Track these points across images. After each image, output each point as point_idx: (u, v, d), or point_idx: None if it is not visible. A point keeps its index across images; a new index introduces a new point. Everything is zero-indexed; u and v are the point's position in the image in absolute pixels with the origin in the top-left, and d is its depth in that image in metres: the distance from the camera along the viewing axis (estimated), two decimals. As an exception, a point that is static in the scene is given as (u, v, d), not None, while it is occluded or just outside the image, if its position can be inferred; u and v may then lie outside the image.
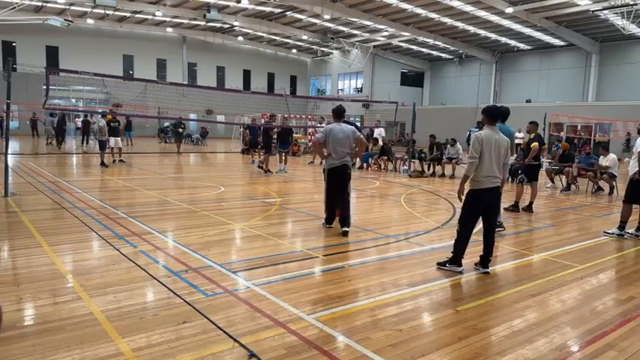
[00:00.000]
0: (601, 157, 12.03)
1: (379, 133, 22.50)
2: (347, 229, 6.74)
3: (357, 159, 17.76)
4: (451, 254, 5.13)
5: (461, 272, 5.01)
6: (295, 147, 24.05)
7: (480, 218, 5.21)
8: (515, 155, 10.82)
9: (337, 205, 7.00)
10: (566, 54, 35.05)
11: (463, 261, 5.10)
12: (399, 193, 11.32)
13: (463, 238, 5.07)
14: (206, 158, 21.49)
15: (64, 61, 35.81)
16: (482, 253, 5.17)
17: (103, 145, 15.04)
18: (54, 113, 23.52)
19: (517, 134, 16.28)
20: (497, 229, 7.36)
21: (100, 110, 23.80)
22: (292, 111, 26.85)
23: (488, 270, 5.11)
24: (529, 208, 9.07)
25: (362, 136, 7.20)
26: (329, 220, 7.11)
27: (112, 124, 15.58)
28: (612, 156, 11.76)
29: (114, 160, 15.88)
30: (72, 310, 3.79)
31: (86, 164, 16.44)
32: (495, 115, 5.21)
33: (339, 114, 7.11)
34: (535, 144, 8.90)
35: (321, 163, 8.31)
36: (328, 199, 7.10)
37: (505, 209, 8.86)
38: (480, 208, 5.10)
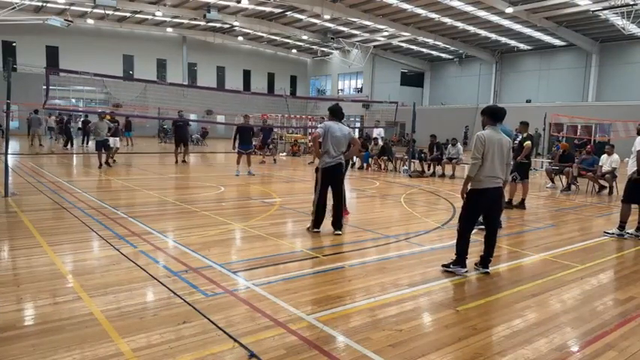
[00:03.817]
0: (605, 155, 11.97)
1: (378, 133, 22.54)
2: (340, 233, 6.65)
3: (357, 159, 17.82)
4: (455, 256, 5.08)
5: (465, 273, 4.96)
6: (295, 147, 24.05)
7: (482, 219, 5.21)
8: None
9: (333, 208, 6.79)
10: (566, 54, 35.05)
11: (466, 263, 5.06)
12: (399, 193, 11.32)
13: (464, 237, 5.04)
14: (206, 158, 21.49)
15: (64, 61, 35.79)
16: (482, 253, 5.16)
17: (104, 145, 14.80)
18: (37, 110, 23.16)
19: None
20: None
21: (100, 110, 23.68)
22: (292, 111, 26.87)
23: (488, 270, 5.10)
24: (522, 205, 9.38)
25: (353, 136, 6.98)
26: (317, 224, 6.73)
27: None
28: (616, 156, 11.73)
29: (101, 164, 15.37)
30: (72, 310, 3.79)
31: (86, 164, 16.43)
32: (496, 115, 5.16)
33: (336, 112, 6.85)
34: (528, 143, 9.23)
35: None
36: (321, 200, 6.74)
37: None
38: (481, 208, 5.08)
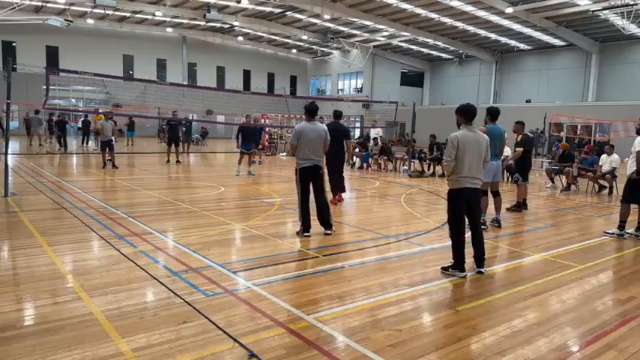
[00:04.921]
0: (604, 155, 11.98)
1: (377, 133, 22.52)
2: (329, 232, 6.57)
3: (357, 159, 17.84)
4: (453, 260, 5.03)
5: (464, 277, 4.90)
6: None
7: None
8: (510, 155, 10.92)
9: (317, 209, 6.62)
10: (566, 54, 35.07)
11: (465, 265, 5.01)
12: (399, 193, 11.32)
13: (457, 240, 5.00)
14: (206, 158, 21.49)
15: (64, 61, 35.82)
16: (473, 254, 5.12)
17: (108, 145, 14.41)
18: (38, 110, 22.99)
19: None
20: (494, 225, 7.45)
21: (101, 111, 23.62)
22: (292, 111, 26.86)
23: (482, 270, 5.04)
24: (520, 206, 9.20)
25: (329, 139, 6.76)
26: (306, 228, 6.49)
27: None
28: (616, 156, 11.73)
29: (104, 163, 14.87)
30: (72, 310, 3.79)
31: (86, 164, 16.44)
32: (470, 114, 5.09)
33: (311, 112, 6.65)
34: (520, 150, 8.80)
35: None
36: (303, 203, 6.53)
37: (508, 209, 8.92)
38: (462, 207, 5.04)
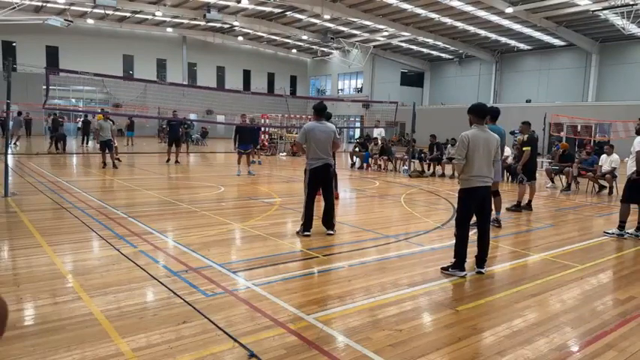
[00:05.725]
0: (604, 155, 11.99)
1: (379, 133, 22.55)
2: (332, 233, 6.59)
3: (357, 159, 17.85)
4: (454, 259, 5.03)
5: (464, 277, 4.91)
6: (296, 147, 23.95)
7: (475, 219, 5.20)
8: (512, 155, 10.90)
9: (325, 210, 6.67)
10: (566, 54, 35.09)
11: (465, 265, 5.02)
12: (399, 193, 11.32)
13: (461, 240, 5.01)
14: (206, 158, 21.49)
15: (64, 61, 35.83)
16: (476, 254, 5.13)
17: (107, 145, 14.32)
18: (20, 112, 23.06)
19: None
20: (494, 225, 7.45)
21: (100, 110, 23.57)
22: (292, 111, 26.88)
23: (482, 270, 5.05)
24: (528, 206, 9.20)
25: (338, 137, 6.85)
26: (308, 227, 6.50)
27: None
28: (616, 156, 11.73)
29: (104, 163, 14.64)
30: (72, 310, 3.78)
31: (86, 164, 16.44)
32: (482, 113, 5.13)
33: (319, 111, 6.69)
34: (527, 149, 8.93)
35: None
36: (310, 203, 6.54)
37: (508, 209, 8.91)
38: (472, 207, 5.06)
